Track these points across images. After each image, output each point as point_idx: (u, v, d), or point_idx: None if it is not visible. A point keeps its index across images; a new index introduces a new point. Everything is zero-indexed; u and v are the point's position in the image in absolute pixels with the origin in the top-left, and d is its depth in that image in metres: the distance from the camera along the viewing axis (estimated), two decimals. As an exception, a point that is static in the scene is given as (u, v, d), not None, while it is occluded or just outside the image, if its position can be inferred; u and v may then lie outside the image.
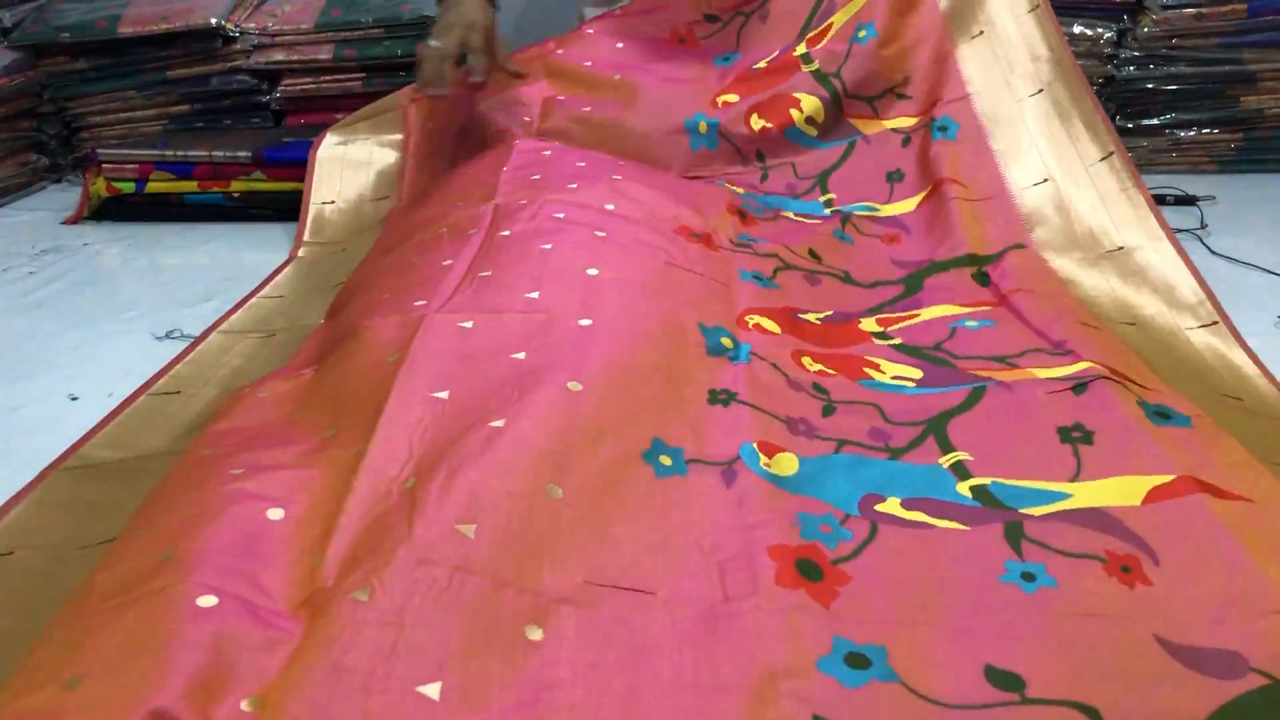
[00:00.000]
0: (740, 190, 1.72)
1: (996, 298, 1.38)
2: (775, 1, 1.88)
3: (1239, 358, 1.31)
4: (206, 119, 2.60)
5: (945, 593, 0.82)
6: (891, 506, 0.93)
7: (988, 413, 1.05)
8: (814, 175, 1.72)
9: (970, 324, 1.27)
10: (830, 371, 1.15)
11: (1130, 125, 2.26)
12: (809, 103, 1.72)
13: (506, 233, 1.25)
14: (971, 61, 1.74)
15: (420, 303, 1.11)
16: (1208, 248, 1.79)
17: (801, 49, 1.78)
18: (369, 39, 2.52)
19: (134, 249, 2.17)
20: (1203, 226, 1.88)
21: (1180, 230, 1.88)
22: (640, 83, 1.87)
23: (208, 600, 0.71)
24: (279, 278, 1.88)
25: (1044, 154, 1.64)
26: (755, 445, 0.99)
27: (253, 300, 1.78)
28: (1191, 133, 2.24)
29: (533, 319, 1.06)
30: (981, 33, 1.75)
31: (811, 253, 1.52)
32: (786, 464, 0.97)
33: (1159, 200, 2.03)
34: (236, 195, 2.29)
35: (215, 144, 2.32)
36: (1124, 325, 1.38)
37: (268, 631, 0.71)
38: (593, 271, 1.15)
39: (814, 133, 1.73)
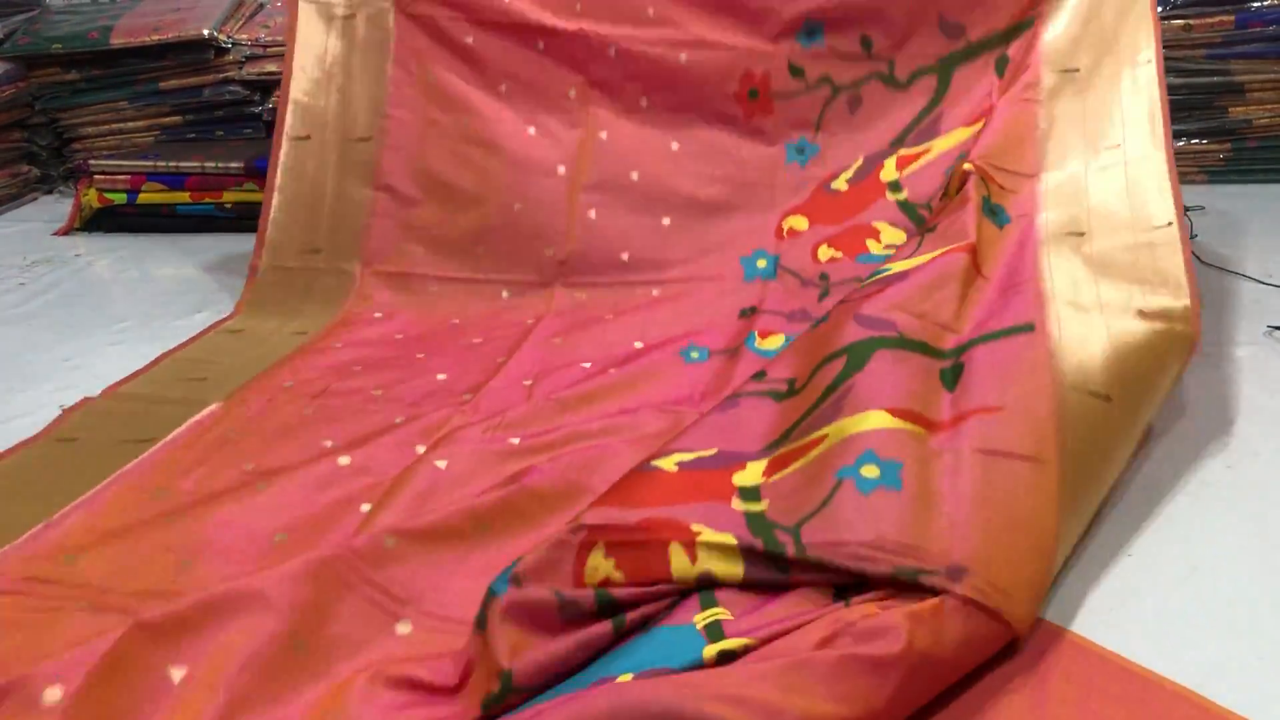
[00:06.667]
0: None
1: (952, 415, 1.11)
2: (869, 87, 1.72)
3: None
4: (198, 130, 2.60)
5: None
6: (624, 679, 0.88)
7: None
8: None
9: (867, 475, 1.02)
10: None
11: (1120, 136, 2.28)
12: (890, 234, 1.59)
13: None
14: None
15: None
16: (1197, 257, 1.79)
17: (890, 172, 1.65)
18: (361, 50, 2.52)
19: (125, 260, 2.17)
20: (1192, 236, 1.89)
21: (1170, 240, 1.89)
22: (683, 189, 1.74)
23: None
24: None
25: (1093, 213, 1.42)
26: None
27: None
28: (1180, 143, 2.25)
29: None
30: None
31: (757, 375, 1.31)
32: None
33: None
34: (229, 206, 2.28)
35: (207, 155, 2.32)
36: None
37: None
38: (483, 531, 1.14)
39: (891, 253, 1.52)
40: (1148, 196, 1.40)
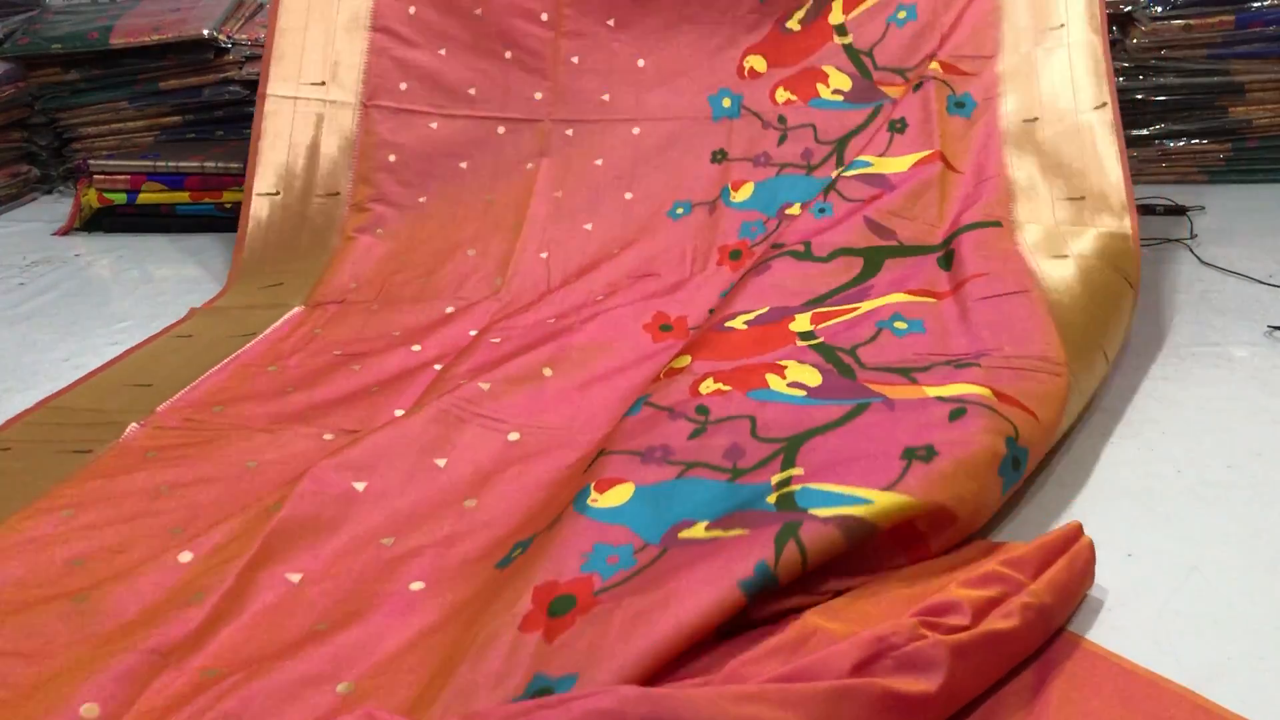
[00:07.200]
0: (744, 199, 1.79)
1: (952, 284, 1.46)
2: None
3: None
4: (198, 130, 2.60)
5: (677, 603, 0.89)
6: (695, 531, 1.00)
7: (854, 431, 1.13)
8: (834, 140, 1.79)
9: (899, 326, 1.38)
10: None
11: (1120, 136, 2.28)
12: (837, 79, 1.85)
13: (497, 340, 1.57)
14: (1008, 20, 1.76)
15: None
16: (1197, 257, 1.80)
17: (838, 15, 1.87)
18: (361, 50, 2.52)
19: (125, 260, 2.17)
20: (1192, 236, 1.89)
21: (1170, 240, 1.89)
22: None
23: None
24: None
25: (1043, 96, 1.69)
26: (592, 484, 1.10)
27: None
28: (1181, 143, 2.25)
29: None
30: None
31: (775, 245, 1.64)
32: (617, 495, 1.09)
33: (1149, 210, 2.05)
34: (228, 206, 2.28)
35: (207, 155, 2.32)
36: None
37: None
38: (547, 372, 1.44)
39: (840, 99, 1.83)
40: (1087, 80, 1.67)
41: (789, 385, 1.26)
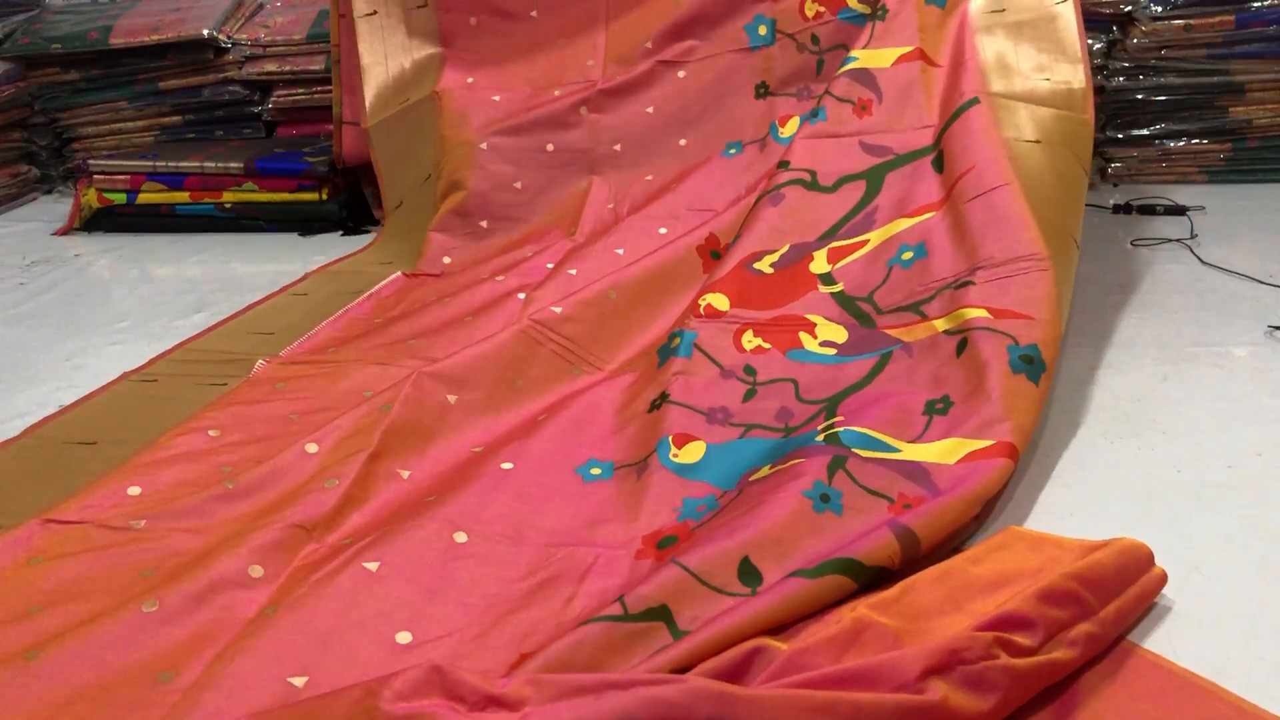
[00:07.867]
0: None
1: (945, 189, 1.59)
2: None
3: None
4: (198, 130, 2.60)
5: (753, 505, 1.08)
6: (762, 472, 1.18)
7: (882, 385, 1.32)
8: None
9: (906, 257, 1.54)
10: (766, 345, 1.46)
11: (1120, 136, 2.27)
12: None
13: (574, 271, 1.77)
14: None
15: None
16: (1198, 257, 1.80)
17: None
18: (361, 50, 2.52)
19: (125, 260, 2.17)
20: (1193, 236, 1.89)
21: (1170, 240, 1.89)
22: None
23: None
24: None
25: None
26: (670, 438, 1.29)
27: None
28: (1181, 143, 2.25)
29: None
30: None
31: (782, 163, 1.75)
32: (693, 452, 1.28)
33: (1149, 210, 2.06)
34: (228, 206, 2.28)
35: (207, 155, 2.32)
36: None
37: None
38: (612, 295, 1.64)
39: (866, 9, 1.90)
40: None
41: (821, 345, 1.44)
